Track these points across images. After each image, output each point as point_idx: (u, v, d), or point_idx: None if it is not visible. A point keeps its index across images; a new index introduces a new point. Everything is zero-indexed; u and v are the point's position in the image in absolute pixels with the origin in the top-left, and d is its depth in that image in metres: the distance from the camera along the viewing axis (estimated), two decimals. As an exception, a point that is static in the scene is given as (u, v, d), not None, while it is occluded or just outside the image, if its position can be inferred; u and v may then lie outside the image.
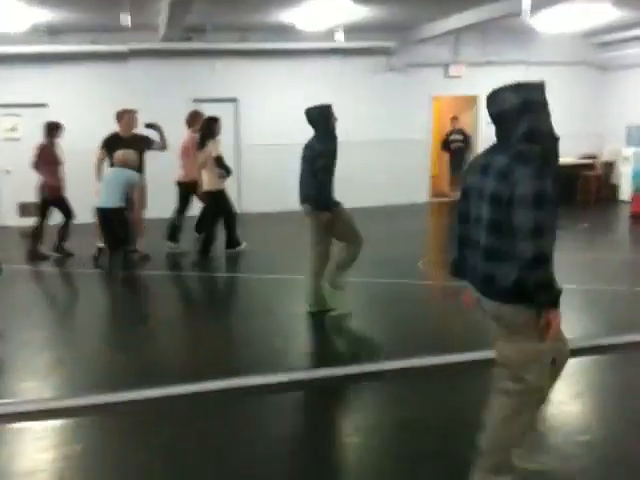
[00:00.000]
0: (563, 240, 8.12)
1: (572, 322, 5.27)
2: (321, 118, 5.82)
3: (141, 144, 8.56)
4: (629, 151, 12.24)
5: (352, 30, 11.56)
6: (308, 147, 5.91)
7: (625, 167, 12.50)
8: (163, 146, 8.77)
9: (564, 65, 13.34)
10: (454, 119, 13.89)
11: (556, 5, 9.06)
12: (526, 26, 11.02)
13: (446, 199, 14.07)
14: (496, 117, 2.85)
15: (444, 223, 12.01)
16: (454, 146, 13.81)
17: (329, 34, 11.52)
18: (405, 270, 7.72)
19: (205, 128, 8.52)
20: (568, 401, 4.19)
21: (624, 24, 11.58)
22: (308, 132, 5.88)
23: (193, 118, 9.17)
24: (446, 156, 14.14)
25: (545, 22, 10.81)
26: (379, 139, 13.07)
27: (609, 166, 13.46)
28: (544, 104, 2.81)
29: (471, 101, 13.60)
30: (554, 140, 2.83)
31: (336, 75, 12.72)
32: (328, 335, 5.91)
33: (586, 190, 13.17)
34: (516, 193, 2.66)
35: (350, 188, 9.25)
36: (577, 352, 4.38)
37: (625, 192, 12.52)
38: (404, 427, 3.93)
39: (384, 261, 8.03)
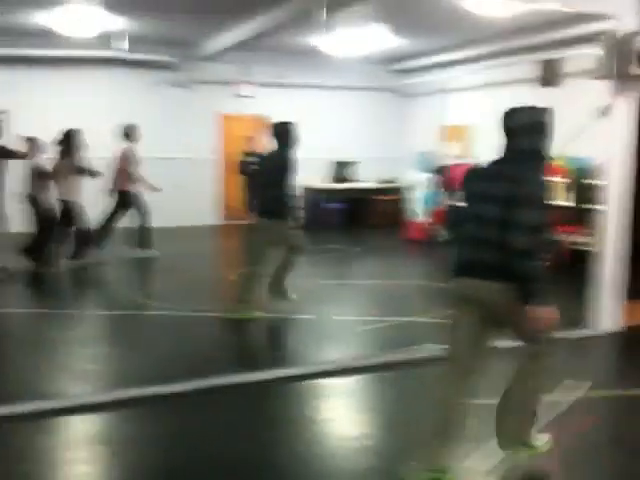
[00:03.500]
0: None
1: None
2: (285, 133, 6.15)
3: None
4: (420, 177, 12.24)
5: (135, 41, 10.82)
6: (269, 159, 6.31)
7: (417, 192, 12.46)
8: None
9: (366, 91, 13.42)
10: (250, 140, 13.37)
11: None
12: (317, 50, 10.83)
13: (242, 222, 13.47)
14: (509, 132, 3.27)
15: (209, 247, 11.41)
16: (251, 169, 13.27)
17: (104, 43, 10.65)
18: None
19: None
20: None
21: (418, 52, 12.21)
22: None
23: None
24: (242, 179, 13.57)
25: (331, 46, 10.62)
26: (165, 157, 12.08)
27: (407, 190, 13.49)
28: (548, 126, 3.27)
29: (264, 122, 13.16)
30: (545, 158, 3.29)
31: (114, 88, 11.84)
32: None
33: (381, 214, 13.16)
34: (520, 194, 3.07)
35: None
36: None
37: (420, 216, 12.44)
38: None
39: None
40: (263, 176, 6.36)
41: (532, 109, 3.29)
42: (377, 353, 5.48)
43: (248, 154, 13.14)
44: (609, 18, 5.55)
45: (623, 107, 5.56)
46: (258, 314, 6.33)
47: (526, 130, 3.22)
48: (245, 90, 12.52)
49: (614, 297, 5.81)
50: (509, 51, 10.01)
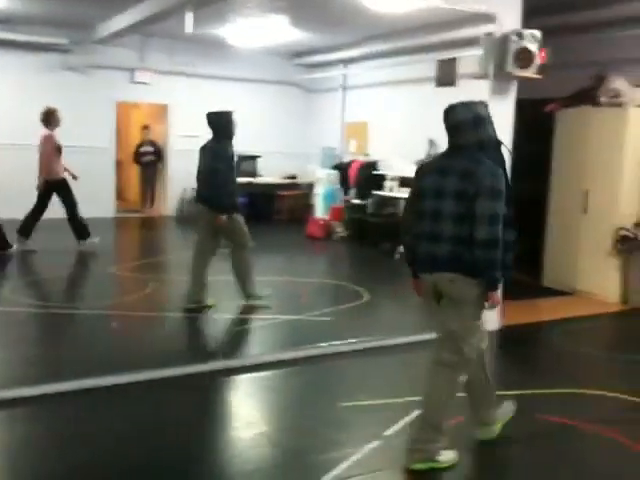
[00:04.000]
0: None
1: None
2: (221, 123, 6.06)
3: None
4: (322, 173, 12.10)
5: (24, 22, 10.32)
6: (207, 149, 6.12)
7: (319, 188, 12.30)
8: None
9: (272, 84, 13.17)
10: (145, 129, 12.94)
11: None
12: (220, 39, 10.53)
13: (137, 214, 13.06)
14: (452, 128, 3.33)
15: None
16: (145, 159, 12.87)
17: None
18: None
19: None
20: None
21: (322, 47, 12.05)
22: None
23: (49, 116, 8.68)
24: (137, 169, 13.16)
25: (234, 36, 10.38)
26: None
27: (310, 186, 13.38)
28: (489, 118, 3.36)
29: (162, 110, 12.78)
30: (498, 145, 3.37)
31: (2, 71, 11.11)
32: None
33: (285, 210, 12.99)
34: (479, 188, 3.16)
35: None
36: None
37: (320, 213, 12.30)
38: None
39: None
40: (201, 166, 6.23)
41: (471, 103, 3.35)
42: (261, 352, 5.36)
43: (143, 143, 12.82)
44: (492, 19, 5.55)
45: (501, 107, 5.57)
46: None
47: (471, 123, 3.27)
48: (141, 77, 12.06)
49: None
50: (407, 50, 10.03)
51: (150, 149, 12.65)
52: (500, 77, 5.43)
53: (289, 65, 13.17)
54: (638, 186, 7.17)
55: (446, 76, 9.73)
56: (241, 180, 12.60)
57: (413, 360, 5.27)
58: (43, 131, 8.78)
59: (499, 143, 3.39)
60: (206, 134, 12.69)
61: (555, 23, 7.69)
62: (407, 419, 3.96)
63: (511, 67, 5.31)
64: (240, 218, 6.26)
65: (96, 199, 11.84)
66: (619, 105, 7.13)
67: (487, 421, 3.74)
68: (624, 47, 7.47)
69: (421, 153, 10.05)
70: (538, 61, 5.35)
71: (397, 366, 5.17)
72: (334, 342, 5.38)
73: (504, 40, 5.33)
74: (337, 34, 10.58)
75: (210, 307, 6.28)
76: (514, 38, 5.29)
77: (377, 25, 9.54)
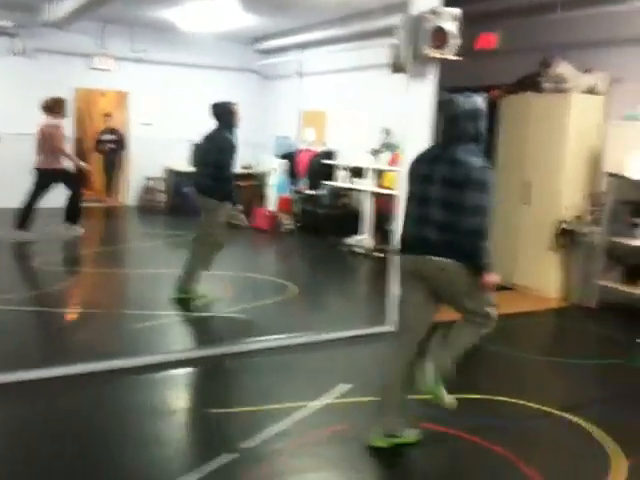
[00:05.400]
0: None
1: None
2: (224, 113, 6.02)
3: None
4: (275, 163, 11.65)
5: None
6: (209, 139, 6.07)
7: (272, 178, 11.80)
8: None
9: (229, 71, 12.76)
10: (107, 117, 12.61)
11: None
12: (174, 25, 10.20)
13: (99, 204, 12.67)
14: (451, 119, 3.39)
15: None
16: (106, 147, 12.53)
17: None
18: None
19: None
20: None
21: (279, 32, 11.60)
22: None
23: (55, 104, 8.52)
24: (99, 157, 12.81)
25: (183, 20, 10.00)
26: (9, 133, 10.53)
27: (265, 177, 12.94)
28: (485, 112, 3.42)
29: (122, 98, 12.42)
30: (486, 140, 3.46)
31: None
32: None
33: (241, 201, 12.55)
34: (470, 179, 3.23)
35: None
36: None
37: (273, 204, 11.83)
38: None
39: None
40: (202, 155, 6.24)
41: (472, 96, 3.44)
42: (156, 351, 4.99)
43: (103, 131, 12.50)
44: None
45: (419, 92, 5.24)
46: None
47: (470, 116, 3.35)
48: (101, 63, 11.67)
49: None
50: (363, 34, 9.62)
51: (112, 137, 12.32)
52: (418, 59, 5.08)
53: (249, 52, 12.75)
54: (580, 177, 6.83)
55: (401, 62, 9.31)
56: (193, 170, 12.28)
57: (318, 360, 4.98)
58: (46, 120, 8.58)
59: (486, 139, 3.46)
60: (167, 123, 12.21)
61: (502, 7, 7.36)
62: (274, 430, 3.66)
63: (426, 48, 4.95)
64: (226, 215, 6.15)
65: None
66: (563, 91, 6.78)
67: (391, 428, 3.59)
68: (570, 30, 7.10)
69: (377, 142, 9.69)
70: (456, 42, 4.98)
71: (296, 367, 4.87)
72: (237, 340, 5.11)
73: (420, 19, 4.97)
74: (290, 18, 10.20)
75: (203, 297, 6.12)
76: (430, 17, 4.93)
77: (330, 8, 9.18)
